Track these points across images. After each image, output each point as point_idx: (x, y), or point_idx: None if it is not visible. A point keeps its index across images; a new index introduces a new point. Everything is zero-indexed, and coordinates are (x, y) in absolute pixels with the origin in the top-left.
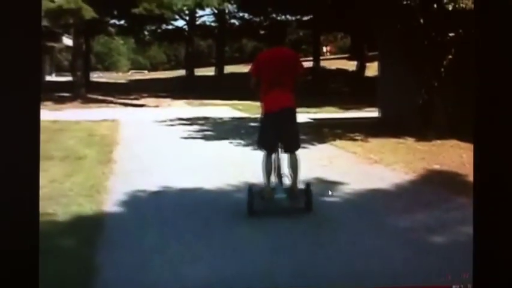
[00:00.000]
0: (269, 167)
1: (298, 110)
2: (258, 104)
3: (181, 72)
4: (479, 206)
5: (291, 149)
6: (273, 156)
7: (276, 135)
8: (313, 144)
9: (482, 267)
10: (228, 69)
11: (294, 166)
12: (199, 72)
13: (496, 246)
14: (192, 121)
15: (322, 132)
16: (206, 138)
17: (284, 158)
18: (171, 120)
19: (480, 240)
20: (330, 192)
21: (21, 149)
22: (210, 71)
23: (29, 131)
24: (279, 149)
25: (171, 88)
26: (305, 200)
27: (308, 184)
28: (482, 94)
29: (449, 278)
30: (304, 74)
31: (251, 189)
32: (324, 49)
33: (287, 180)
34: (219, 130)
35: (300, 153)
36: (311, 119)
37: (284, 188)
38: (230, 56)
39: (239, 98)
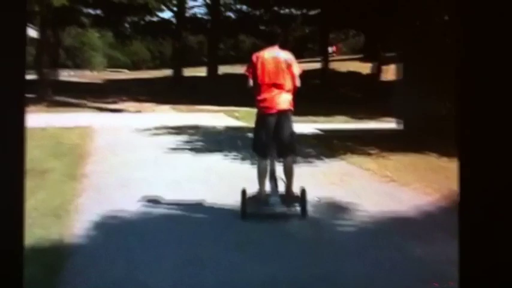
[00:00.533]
0: (263, 170)
1: (303, 119)
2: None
3: (168, 72)
4: (465, 214)
5: (285, 153)
6: (268, 159)
7: (271, 138)
8: (321, 159)
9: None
10: (223, 69)
11: (288, 170)
12: (189, 72)
13: (483, 251)
14: (179, 130)
15: (331, 145)
16: (196, 150)
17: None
18: (155, 128)
19: (465, 247)
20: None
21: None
22: (201, 72)
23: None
24: (274, 153)
25: (155, 91)
26: (300, 206)
27: (303, 189)
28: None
29: None
30: (295, 87)
31: (244, 193)
32: (330, 49)
33: (282, 185)
34: (211, 141)
35: (306, 169)
36: (319, 129)
37: (278, 193)
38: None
39: (235, 103)
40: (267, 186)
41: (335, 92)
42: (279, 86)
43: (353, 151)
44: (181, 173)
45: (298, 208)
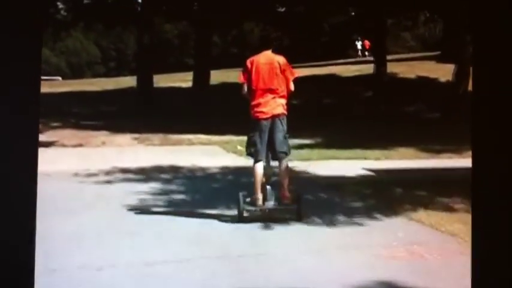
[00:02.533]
0: (259, 174)
1: (346, 153)
2: None
3: (129, 81)
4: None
5: (280, 157)
6: (263, 163)
7: (265, 142)
8: (374, 218)
9: None
10: (218, 76)
11: (284, 174)
12: (164, 81)
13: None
14: (147, 175)
15: (391, 195)
16: (173, 209)
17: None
18: (106, 173)
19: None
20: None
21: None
22: (184, 80)
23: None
24: (269, 157)
25: (108, 111)
26: (296, 210)
27: (299, 193)
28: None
29: None
30: (289, 91)
31: (241, 197)
32: (358, 44)
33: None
34: (198, 193)
35: (351, 235)
36: (371, 170)
37: (274, 196)
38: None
39: (237, 129)
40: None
41: (396, 110)
42: (273, 91)
43: (427, 204)
44: (152, 245)
45: (294, 212)
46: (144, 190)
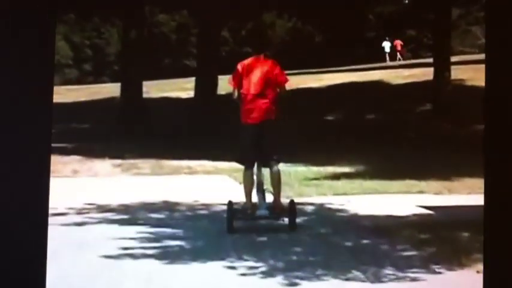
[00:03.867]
0: (249, 181)
1: (395, 185)
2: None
3: (112, 89)
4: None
5: (271, 163)
6: (254, 170)
7: (256, 148)
8: (434, 272)
9: None
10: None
11: (275, 181)
12: (157, 90)
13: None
14: (133, 214)
15: (455, 240)
16: (167, 260)
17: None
18: (79, 212)
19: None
20: None
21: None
22: (183, 89)
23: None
24: (260, 163)
25: (82, 130)
26: (289, 218)
27: (292, 201)
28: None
29: None
30: (284, 92)
31: (230, 205)
32: (386, 46)
33: (269, 196)
34: (200, 238)
35: None
36: (429, 207)
37: (266, 205)
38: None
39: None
40: (254, 198)
41: (462, 130)
42: (264, 96)
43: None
44: None
45: (287, 220)
46: (128, 235)
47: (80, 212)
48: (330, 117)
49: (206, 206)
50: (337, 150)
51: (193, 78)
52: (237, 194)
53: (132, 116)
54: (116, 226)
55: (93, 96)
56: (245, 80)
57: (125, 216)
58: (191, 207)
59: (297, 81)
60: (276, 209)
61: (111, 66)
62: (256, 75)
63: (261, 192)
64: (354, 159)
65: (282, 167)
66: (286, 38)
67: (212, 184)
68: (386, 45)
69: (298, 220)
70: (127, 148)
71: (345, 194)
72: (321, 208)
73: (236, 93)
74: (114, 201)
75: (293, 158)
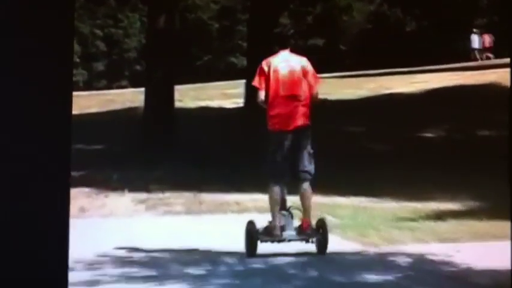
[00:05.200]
0: (277, 198)
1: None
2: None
3: (131, 95)
4: None
5: (304, 177)
6: (282, 185)
7: (286, 159)
8: None
9: None
10: None
11: (306, 198)
12: (192, 96)
13: None
14: (162, 269)
15: None
16: None
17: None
18: (90, 265)
19: None
20: None
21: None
22: (226, 94)
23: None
24: (288, 177)
25: (92, 152)
26: (318, 240)
27: (322, 220)
28: None
29: None
30: (315, 95)
31: (251, 226)
32: (475, 40)
33: (297, 215)
34: None
35: None
36: None
37: (294, 225)
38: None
39: (318, 183)
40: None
41: None
42: (295, 98)
43: None
44: None
45: (316, 243)
46: None
47: (90, 266)
48: (428, 134)
49: (262, 258)
50: (439, 179)
51: (242, 81)
52: (302, 243)
53: (159, 133)
54: (139, 287)
55: (107, 106)
56: (272, 80)
57: (152, 273)
58: (241, 260)
59: (380, 84)
60: (305, 229)
61: (131, 66)
62: (285, 74)
63: (287, 210)
64: (464, 192)
65: (362, 202)
66: (365, 25)
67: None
68: (475, 39)
69: (389, 277)
70: (153, 177)
71: (452, 240)
72: (419, 260)
73: (262, 96)
74: (136, 251)
75: (377, 190)
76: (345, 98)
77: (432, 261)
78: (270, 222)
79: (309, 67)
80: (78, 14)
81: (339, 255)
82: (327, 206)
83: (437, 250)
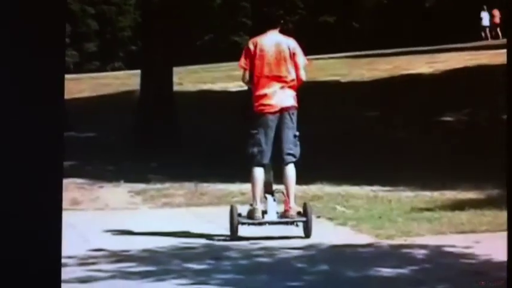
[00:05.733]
0: (258, 181)
1: None
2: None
3: (127, 78)
4: None
5: (288, 160)
6: (268, 168)
7: (270, 141)
8: None
9: None
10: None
11: (290, 180)
12: (192, 78)
13: None
14: (161, 264)
15: None
16: None
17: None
18: (83, 261)
19: None
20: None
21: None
22: (229, 76)
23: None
24: (271, 160)
25: (85, 140)
26: (303, 224)
27: (306, 204)
28: None
29: None
30: (301, 77)
31: (234, 210)
32: (485, 18)
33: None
34: None
35: None
36: None
37: (277, 208)
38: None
39: (327, 172)
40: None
41: None
42: (281, 79)
43: None
44: None
45: (300, 226)
46: None
47: (83, 262)
48: (448, 118)
49: (268, 251)
50: (459, 167)
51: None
52: (317, 234)
53: (157, 119)
54: (136, 283)
55: (100, 89)
56: (257, 60)
57: (150, 268)
58: (246, 254)
59: (396, 65)
60: (288, 212)
61: (126, 46)
62: (270, 54)
63: (270, 193)
64: (484, 181)
65: (378, 192)
66: (381, 1)
67: (285, 226)
68: (485, 16)
69: (404, 271)
70: (151, 167)
71: (472, 231)
72: (437, 253)
73: (247, 77)
74: (134, 245)
75: (393, 179)
76: (359, 79)
77: (450, 253)
78: (251, 205)
79: (297, 49)
80: None
81: (350, 248)
82: (339, 196)
83: (456, 242)
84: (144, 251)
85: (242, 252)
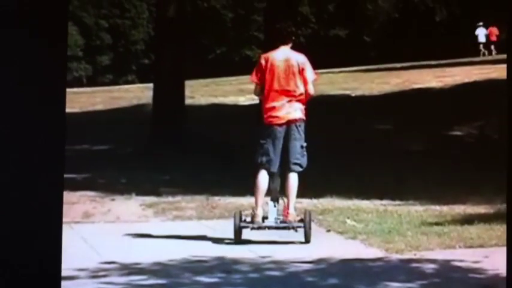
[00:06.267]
0: (263, 186)
1: None
2: None
3: (140, 91)
4: None
5: (293, 168)
6: (275, 176)
7: (278, 151)
8: None
9: None
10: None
11: (292, 188)
12: (205, 92)
13: None
14: (172, 278)
15: None
16: None
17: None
18: (93, 274)
19: None
20: None
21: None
22: (240, 90)
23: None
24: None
25: (96, 153)
26: (303, 229)
27: (306, 210)
28: None
29: None
30: (309, 92)
31: (237, 215)
32: (481, 34)
33: (281, 204)
34: None
35: None
36: None
37: (278, 214)
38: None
39: (339, 185)
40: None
41: None
42: (290, 93)
43: None
44: None
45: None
46: None
47: (95, 274)
48: (458, 132)
49: (279, 265)
50: (469, 181)
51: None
52: (323, 246)
53: (169, 132)
54: None
55: (112, 103)
56: (268, 75)
57: (161, 281)
58: (256, 267)
59: (407, 78)
60: (287, 217)
61: (139, 60)
62: (280, 69)
63: (274, 200)
64: (494, 195)
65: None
66: (392, 14)
67: (287, 232)
68: (481, 33)
69: (413, 285)
70: (163, 180)
71: (481, 246)
72: (446, 267)
73: (259, 90)
74: (145, 258)
75: (404, 192)
76: (369, 93)
77: (460, 268)
78: (253, 209)
79: (306, 64)
80: (81, 3)
81: (360, 262)
82: (349, 209)
83: (465, 256)
84: (155, 264)
85: (253, 265)
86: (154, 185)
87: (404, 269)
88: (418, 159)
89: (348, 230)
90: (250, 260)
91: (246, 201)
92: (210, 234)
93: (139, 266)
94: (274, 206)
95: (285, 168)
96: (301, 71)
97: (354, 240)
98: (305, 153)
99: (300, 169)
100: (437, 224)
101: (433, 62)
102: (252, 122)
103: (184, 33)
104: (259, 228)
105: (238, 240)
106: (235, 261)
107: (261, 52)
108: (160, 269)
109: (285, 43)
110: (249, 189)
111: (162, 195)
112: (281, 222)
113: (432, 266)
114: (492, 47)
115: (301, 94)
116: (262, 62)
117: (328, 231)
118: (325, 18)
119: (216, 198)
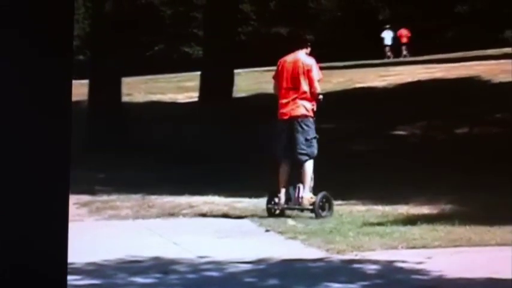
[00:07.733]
0: (283, 174)
1: (497, 237)
2: None
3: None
4: None
5: (300, 158)
6: (288, 163)
7: (286, 144)
8: None
9: None
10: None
11: (303, 174)
12: (141, 90)
13: None
14: (106, 277)
15: None
16: None
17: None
18: None
19: None
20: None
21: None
22: (179, 87)
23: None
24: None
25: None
26: (315, 209)
27: (319, 194)
28: None
29: None
30: (314, 92)
31: (270, 193)
32: (387, 37)
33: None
34: None
35: None
36: None
37: (292, 197)
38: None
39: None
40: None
41: None
42: (295, 91)
43: None
44: None
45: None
46: None
47: None
48: (401, 132)
49: (217, 265)
50: (411, 180)
51: (197, 73)
52: (263, 246)
53: (105, 130)
54: None
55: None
56: (279, 75)
57: (96, 281)
58: (194, 268)
59: (349, 77)
60: (302, 200)
61: (74, 56)
62: (288, 69)
63: (290, 185)
64: (438, 194)
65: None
66: (335, 12)
67: (225, 231)
68: (387, 35)
69: (354, 286)
70: (98, 178)
71: (424, 247)
72: (388, 268)
73: (275, 88)
74: (79, 258)
75: (346, 192)
76: None
77: (402, 269)
78: (277, 194)
79: (312, 66)
80: None
81: (301, 262)
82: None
83: (407, 257)
84: (90, 264)
85: (190, 265)
86: (89, 184)
87: (346, 270)
88: (360, 159)
89: (288, 230)
90: (188, 260)
91: (184, 200)
92: (146, 234)
93: (73, 266)
94: (294, 190)
95: (294, 159)
96: (307, 72)
97: (294, 240)
98: (313, 144)
99: (307, 158)
100: (379, 224)
101: (376, 62)
102: (190, 119)
103: (121, 30)
104: (282, 209)
105: (270, 214)
106: (172, 262)
107: (200, 49)
108: (94, 269)
109: (299, 48)
110: (187, 188)
111: (97, 194)
112: (297, 204)
113: (374, 266)
114: (403, 48)
115: (304, 92)
116: (279, 64)
117: (267, 231)
118: (266, 16)
119: (153, 197)
